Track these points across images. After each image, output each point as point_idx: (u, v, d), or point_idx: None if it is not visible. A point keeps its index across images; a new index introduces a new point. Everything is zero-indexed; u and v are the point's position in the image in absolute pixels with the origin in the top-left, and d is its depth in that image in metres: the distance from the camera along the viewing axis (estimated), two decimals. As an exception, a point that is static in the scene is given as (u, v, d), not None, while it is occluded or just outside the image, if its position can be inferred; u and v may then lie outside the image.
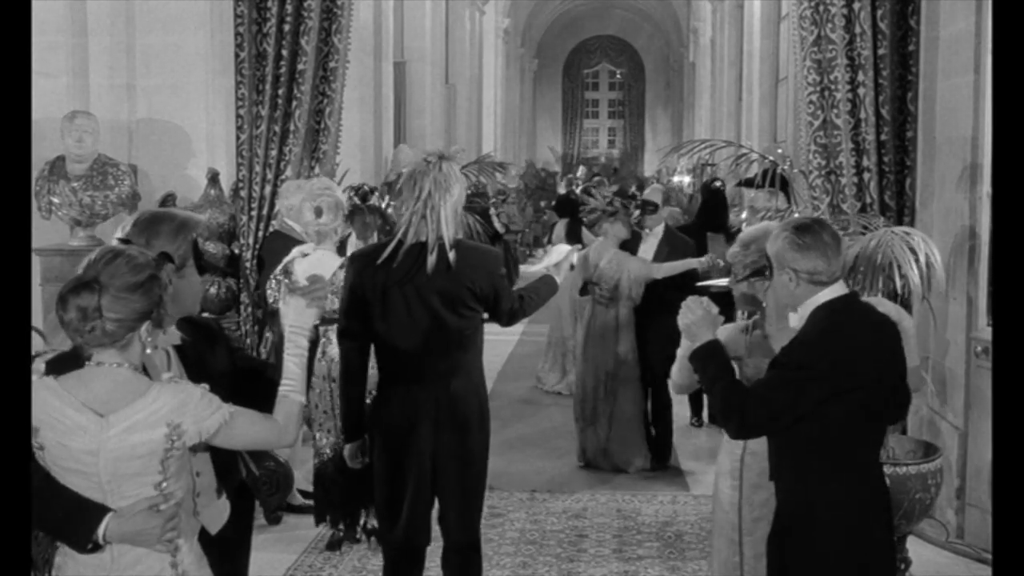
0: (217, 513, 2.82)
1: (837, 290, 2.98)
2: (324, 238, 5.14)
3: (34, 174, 6.02)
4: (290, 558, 5.19)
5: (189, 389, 2.46)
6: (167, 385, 2.46)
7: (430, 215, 3.60)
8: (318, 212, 5.09)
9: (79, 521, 2.42)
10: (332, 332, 5.07)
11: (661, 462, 6.76)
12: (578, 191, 13.08)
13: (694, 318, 3.10)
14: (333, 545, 5.29)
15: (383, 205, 7.74)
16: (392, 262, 3.62)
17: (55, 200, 6.14)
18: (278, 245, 5.74)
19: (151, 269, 2.44)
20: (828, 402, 2.88)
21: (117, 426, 2.37)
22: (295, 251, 5.14)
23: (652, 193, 7.21)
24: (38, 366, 2.61)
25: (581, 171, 21.10)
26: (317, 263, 4.85)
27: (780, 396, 2.90)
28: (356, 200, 7.00)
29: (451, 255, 3.59)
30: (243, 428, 2.52)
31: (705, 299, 3.13)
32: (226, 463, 2.86)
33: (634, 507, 6.04)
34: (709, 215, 8.00)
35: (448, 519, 3.79)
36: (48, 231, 6.20)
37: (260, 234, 6.24)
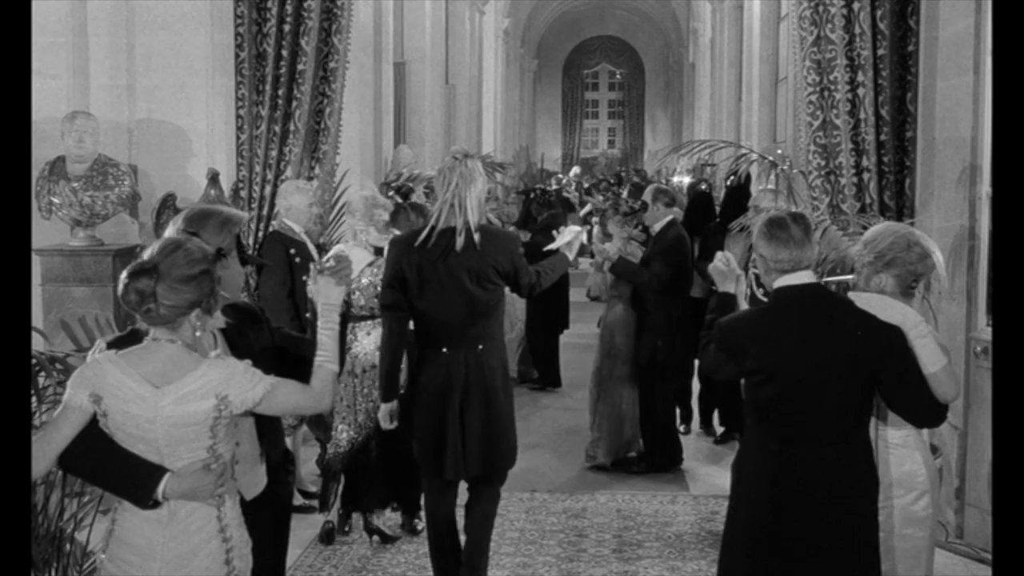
0: (255, 481, 3.05)
1: (798, 278, 3.23)
2: (352, 237, 5.50)
3: (34, 174, 6.01)
4: (291, 556, 5.17)
5: (234, 364, 2.74)
6: (215, 361, 2.73)
7: (458, 204, 4.11)
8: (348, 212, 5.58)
9: (140, 481, 2.66)
10: (359, 330, 5.27)
11: (654, 463, 6.71)
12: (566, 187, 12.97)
13: (714, 267, 3.57)
14: (324, 537, 5.37)
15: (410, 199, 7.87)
16: (427, 244, 4.14)
17: (55, 200, 6.14)
18: (277, 245, 5.75)
19: (206, 263, 2.71)
20: (749, 376, 3.23)
21: (170, 396, 2.63)
22: (334, 248, 5.55)
23: (645, 192, 7.26)
24: (100, 344, 2.89)
25: (575, 171, 21.00)
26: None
27: (709, 356, 3.43)
28: (399, 199, 7.17)
29: (476, 237, 4.12)
30: (283, 396, 2.79)
31: (730, 256, 3.57)
32: (272, 433, 3.12)
33: (634, 507, 6.04)
34: (695, 217, 8.02)
35: (473, 454, 4.21)
36: (48, 231, 6.20)
37: (260, 234, 6.26)
